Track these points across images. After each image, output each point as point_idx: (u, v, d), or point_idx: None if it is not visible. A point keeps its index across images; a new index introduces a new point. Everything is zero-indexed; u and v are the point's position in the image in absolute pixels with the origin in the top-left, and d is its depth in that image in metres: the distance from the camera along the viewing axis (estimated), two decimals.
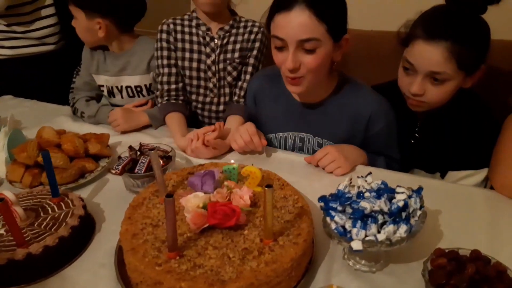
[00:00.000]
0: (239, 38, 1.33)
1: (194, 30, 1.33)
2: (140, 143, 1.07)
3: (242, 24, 1.33)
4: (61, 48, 1.71)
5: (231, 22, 1.32)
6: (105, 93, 1.49)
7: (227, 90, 1.36)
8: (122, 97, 1.47)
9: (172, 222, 0.67)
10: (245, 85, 1.33)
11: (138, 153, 1.04)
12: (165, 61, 1.33)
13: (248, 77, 1.33)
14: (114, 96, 1.48)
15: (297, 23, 0.96)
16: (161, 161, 1.00)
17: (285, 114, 1.21)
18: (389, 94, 1.16)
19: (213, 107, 1.40)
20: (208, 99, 1.38)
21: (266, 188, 0.67)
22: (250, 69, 1.33)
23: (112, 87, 1.46)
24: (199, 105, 1.40)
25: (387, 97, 1.16)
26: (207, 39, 1.32)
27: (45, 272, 0.78)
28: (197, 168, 0.95)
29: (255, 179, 0.86)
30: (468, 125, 1.12)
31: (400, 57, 1.10)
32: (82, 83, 1.48)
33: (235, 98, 1.35)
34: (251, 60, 1.32)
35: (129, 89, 1.46)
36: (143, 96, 1.47)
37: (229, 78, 1.34)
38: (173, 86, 1.34)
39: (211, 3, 1.23)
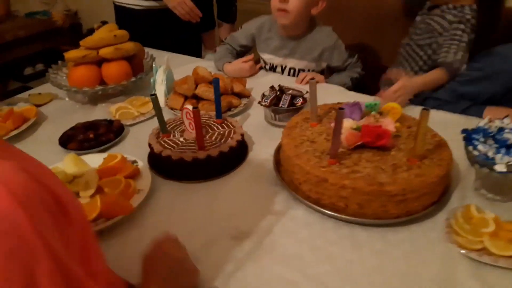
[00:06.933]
0: None
1: None
2: (279, 85, 1.22)
3: None
4: None
5: None
6: (267, 67, 1.61)
7: None
8: (282, 74, 1.58)
9: (339, 131, 0.81)
10: None
11: (278, 92, 1.19)
12: None
13: None
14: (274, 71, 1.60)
15: None
16: (301, 100, 1.15)
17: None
18: None
19: None
20: None
21: (423, 110, 0.78)
22: None
23: (275, 65, 1.58)
24: None
25: None
26: None
27: (218, 172, 0.97)
28: (339, 104, 1.07)
29: (395, 115, 0.97)
30: None
31: None
32: (232, 40, 1.62)
33: None
34: None
35: (292, 71, 1.57)
36: None
37: None
38: None
39: None
